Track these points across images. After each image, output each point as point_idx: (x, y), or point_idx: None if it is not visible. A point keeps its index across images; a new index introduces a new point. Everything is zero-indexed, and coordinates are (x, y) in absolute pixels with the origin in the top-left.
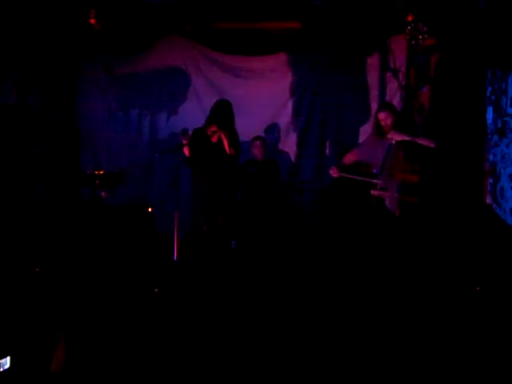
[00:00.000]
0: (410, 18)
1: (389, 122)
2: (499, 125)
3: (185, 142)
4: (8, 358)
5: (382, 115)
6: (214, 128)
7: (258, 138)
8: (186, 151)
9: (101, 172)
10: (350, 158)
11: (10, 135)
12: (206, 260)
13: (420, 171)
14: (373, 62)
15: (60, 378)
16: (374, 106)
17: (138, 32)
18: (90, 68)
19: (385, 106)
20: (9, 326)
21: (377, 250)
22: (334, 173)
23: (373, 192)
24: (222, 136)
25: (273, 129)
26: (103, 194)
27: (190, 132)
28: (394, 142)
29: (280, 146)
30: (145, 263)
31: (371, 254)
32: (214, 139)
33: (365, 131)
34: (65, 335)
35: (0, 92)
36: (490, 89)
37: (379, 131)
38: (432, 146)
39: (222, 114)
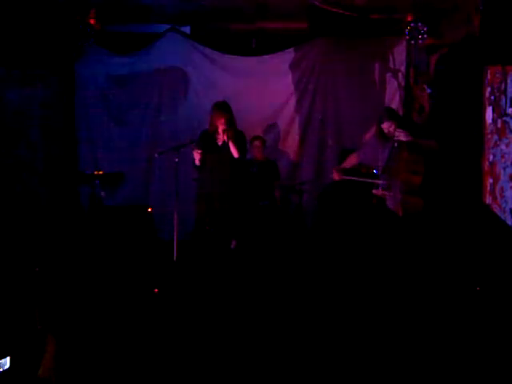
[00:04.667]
0: (409, 18)
1: (392, 129)
2: (499, 125)
3: (199, 151)
4: (8, 358)
5: (385, 125)
6: (223, 120)
7: (257, 137)
8: (197, 161)
9: (100, 172)
10: (351, 161)
11: (9, 135)
12: (205, 260)
13: (423, 172)
14: (373, 62)
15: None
16: (374, 106)
17: (137, 31)
18: (89, 67)
19: (387, 114)
20: (7, 326)
21: (377, 250)
22: (335, 176)
23: (375, 192)
24: (230, 137)
25: (273, 129)
26: (103, 194)
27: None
28: (396, 144)
29: (280, 146)
30: (144, 264)
31: (372, 254)
32: (224, 137)
33: (365, 131)
34: (59, 337)
35: None
36: (489, 89)
37: (382, 135)
38: (434, 147)
39: (228, 112)
